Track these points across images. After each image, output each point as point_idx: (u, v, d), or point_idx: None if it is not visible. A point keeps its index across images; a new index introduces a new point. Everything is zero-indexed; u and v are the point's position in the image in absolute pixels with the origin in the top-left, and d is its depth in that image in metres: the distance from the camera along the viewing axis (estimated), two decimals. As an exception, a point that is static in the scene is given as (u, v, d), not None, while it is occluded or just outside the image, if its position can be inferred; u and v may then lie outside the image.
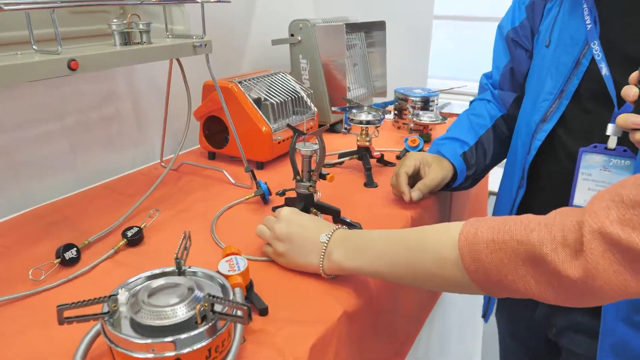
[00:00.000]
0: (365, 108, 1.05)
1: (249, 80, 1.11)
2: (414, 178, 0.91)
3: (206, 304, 0.48)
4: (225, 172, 1.02)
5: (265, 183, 0.90)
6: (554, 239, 0.47)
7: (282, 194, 0.87)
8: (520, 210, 0.86)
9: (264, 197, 0.90)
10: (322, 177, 0.81)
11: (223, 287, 0.55)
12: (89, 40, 0.88)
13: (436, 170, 0.90)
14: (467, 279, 0.53)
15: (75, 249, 0.70)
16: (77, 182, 1.00)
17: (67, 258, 0.69)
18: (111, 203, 0.91)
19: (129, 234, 0.75)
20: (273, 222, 0.70)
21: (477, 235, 0.52)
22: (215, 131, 1.14)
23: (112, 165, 1.09)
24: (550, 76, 0.78)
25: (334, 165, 1.11)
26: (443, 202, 1.06)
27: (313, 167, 0.79)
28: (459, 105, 1.50)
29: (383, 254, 0.61)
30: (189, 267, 0.57)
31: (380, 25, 1.42)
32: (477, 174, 0.96)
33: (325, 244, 0.65)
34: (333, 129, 1.40)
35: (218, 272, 0.58)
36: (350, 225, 0.80)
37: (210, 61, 0.92)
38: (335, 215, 0.81)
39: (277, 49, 1.33)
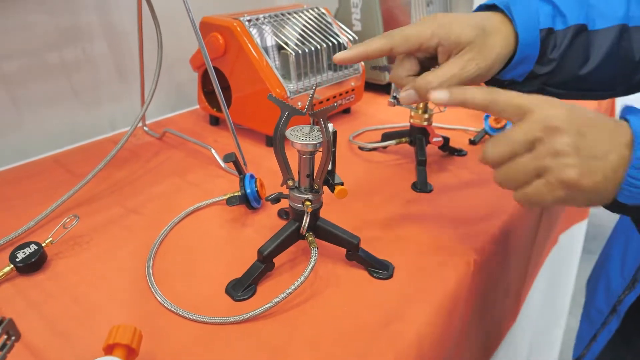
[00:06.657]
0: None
1: (265, 18, 0.78)
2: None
3: None
4: (213, 151, 0.72)
5: (256, 179, 0.59)
6: None
7: (275, 200, 0.56)
8: None
9: (249, 203, 0.59)
10: (328, 185, 0.49)
11: None
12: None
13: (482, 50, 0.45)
14: None
15: None
16: (21, 152, 0.74)
17: None
18: (46, 187, 0.64)
19: (20, 255, 0.49)
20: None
21: None
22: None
23: (80, 128, 0.82)
24: None
25: (373, 149, 0.77)
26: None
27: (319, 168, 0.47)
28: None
29: None
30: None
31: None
32: (554, 80, 0.49)
33: None
34: (388, 90, 1.05)
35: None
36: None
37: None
38: (352, 249, 0.50)
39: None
